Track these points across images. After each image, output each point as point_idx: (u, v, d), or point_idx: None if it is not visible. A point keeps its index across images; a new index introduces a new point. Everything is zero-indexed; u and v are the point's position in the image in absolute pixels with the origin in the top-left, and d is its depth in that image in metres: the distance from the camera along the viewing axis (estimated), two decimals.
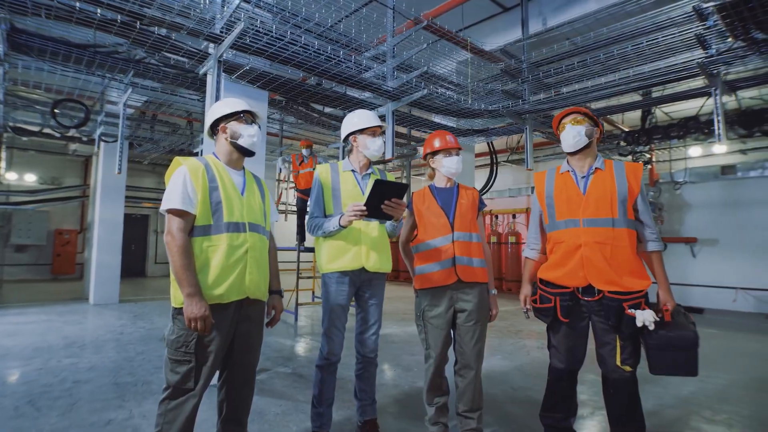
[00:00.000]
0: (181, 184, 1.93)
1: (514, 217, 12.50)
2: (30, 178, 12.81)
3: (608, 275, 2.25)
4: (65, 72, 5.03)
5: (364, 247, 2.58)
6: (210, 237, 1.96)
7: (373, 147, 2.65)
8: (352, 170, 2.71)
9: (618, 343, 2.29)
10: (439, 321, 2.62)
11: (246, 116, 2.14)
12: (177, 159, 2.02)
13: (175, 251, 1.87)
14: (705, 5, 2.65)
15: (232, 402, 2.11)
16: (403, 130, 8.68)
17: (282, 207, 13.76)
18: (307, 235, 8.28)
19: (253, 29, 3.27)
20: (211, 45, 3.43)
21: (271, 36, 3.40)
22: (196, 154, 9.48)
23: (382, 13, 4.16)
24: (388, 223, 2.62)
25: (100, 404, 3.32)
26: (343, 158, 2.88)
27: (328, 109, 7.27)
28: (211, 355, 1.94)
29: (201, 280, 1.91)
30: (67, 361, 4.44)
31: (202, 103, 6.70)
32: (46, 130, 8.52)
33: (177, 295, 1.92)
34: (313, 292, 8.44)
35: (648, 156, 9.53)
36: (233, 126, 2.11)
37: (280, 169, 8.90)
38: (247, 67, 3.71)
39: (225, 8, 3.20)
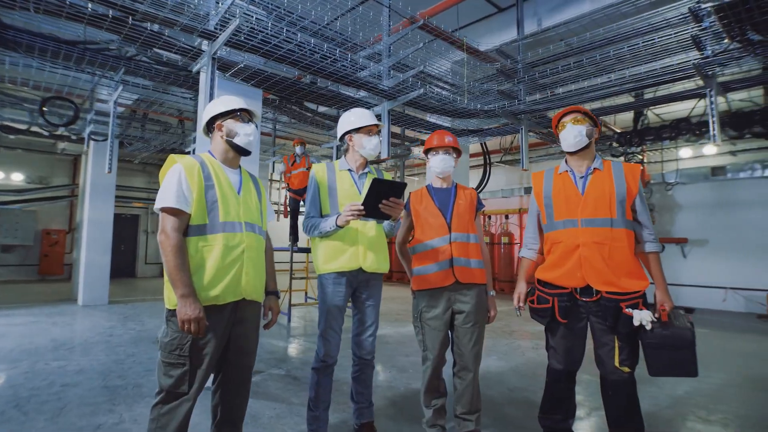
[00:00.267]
0: (176, 182, 1.88)
1: (506, 217, 12.54)
2: (17, 177, 12.61)
3: (606, 276, 2.24)
4: (54, 69, 4.94)
5: (362, 247, 2.55)
6: (205, 237, 1.91)
7: (369, 146, 2.61)
8: (349, 169, 2.68)
9: (616, 344, 2.28)
10: (437, 322, 2.59)
11: (243, 114, 2.10)
12: (172, 156, 1.98)
13: (169, 251, 1.82)
14: (704, 5, 2.66)
15: (227, 406, 2.06)
16: (396, 129, 8.66)
17: (273, 207, 13.68)
18: (300, 235, 8.23)
19: (248, 26, 3.22)
20: (205, 42, 3.37)
21: (266, 33, 3.35)
22: (188, 154, 9.39)
23: (378, 11, 4.13)
24: (386, 222, 2.59)
25: (90, 408, 3.24)
26: (338, 158, 2.84)
27: (321, 109, 7.23)
28: (206, 358, 1.89)
29: (196, 280, 1.86)
30: (55, 364, 4.35)
31: (194, 102, 6.63)
32: (34, 129, 8.38)
33: (171, 297, 1.87)
34: (306, 293, 8.38)
35: (640, 157, 9.61)
36: (229, 124, 2.07)
37: (281, 174, 8.81)
38: (242, 65, 3.66)
39: (219, 4, 3.15)
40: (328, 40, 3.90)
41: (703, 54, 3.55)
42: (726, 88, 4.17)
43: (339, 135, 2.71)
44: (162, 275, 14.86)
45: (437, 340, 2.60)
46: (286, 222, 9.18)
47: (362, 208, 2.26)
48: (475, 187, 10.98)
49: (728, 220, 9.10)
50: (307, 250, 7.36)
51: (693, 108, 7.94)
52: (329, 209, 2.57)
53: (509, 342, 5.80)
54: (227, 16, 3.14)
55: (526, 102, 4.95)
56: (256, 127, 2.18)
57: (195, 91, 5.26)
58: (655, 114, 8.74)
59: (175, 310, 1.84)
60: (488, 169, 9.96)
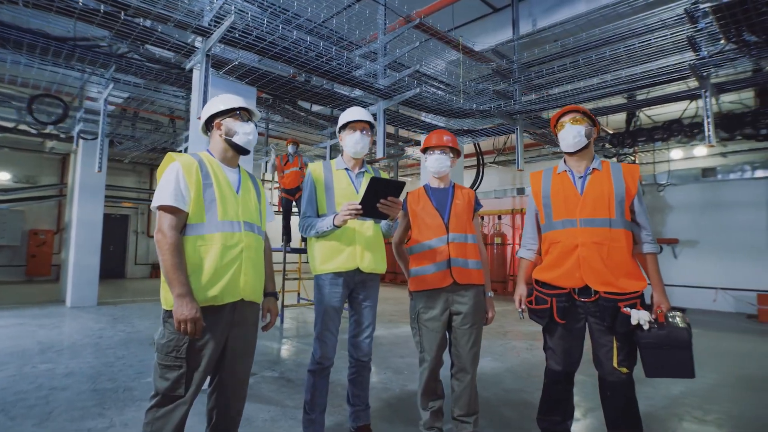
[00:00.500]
0: (174, 180, 1.85)
1: (499, 218, 12.56)
2: (4, 177, 12.41)
3: (604, 276, 2.23)
4: (43, 66, 4.84)
5: (359, 247, 2.51)
6: (203, 236, 1.87)
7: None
8: (346, 168, 2.64)
9: (615, 345, 2.27)
10: (435, 324, 2.57)
11: (242, 113, 2.07)
12: (170, 154, 1.95)
13: (166, 249, 1.78)
14: (702, 6, 2.66)
15: (223, 410, 2.02)
16: (390, 129, 8.63)
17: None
18: (293, 235, 8.16)
19: (243, 23, 3.17)
20: (199, 38, 3.32)
21: (262, 31, 3.30)
22: (179, 153, 9.28)
23: (373, 10, 4.10)
24: (384, 222, 2.56)
25: (79, 412, 3.17)
26: (332, 158, 2.80)
27: (315, 108, 7.18)
28: (203, 360, 1.84)
29: (193, 280, 1.82)
30: (43, 367, 4.26)
31: (186, 101, 6.56)
32: (22, 127, 8.26)
33: (167, 297, 1.83)
34: (299, 294, 8.33)
35: (632, 158, 9.67)
36: (228, 123, 2.04)
37: (273, 164, 8.69)
38: (236, 62, 3.60)
39: (214, 1, 3.10)
40: (324, 38, 3.86)
41: (698, 55, 3.56)
42: (720, 89, 4.19)
43: (337, 132, 2.69)
44: (152, 276, 14.82)
45: (435, 341, 2.57)
46: (277, 222, 9.11)
47: (360, 207, 2.23)
48: (468, 187, 10.99)
49: (718, 221, 9.19)
50: (300, 251, 7.30)
51: (685, 109, 8.00)
52: (326, 209, 2.54)
53: (504, 343, 5.80)
54: (221, 12, 3.09)
55: (521, 102, 4.95)
56: (256, 126, 2.15)
57: (187, 89, 5.18)
58: (646, 115, 8.80)
59: (171, 310, 1.80)
60: (481, 169, 9.97)
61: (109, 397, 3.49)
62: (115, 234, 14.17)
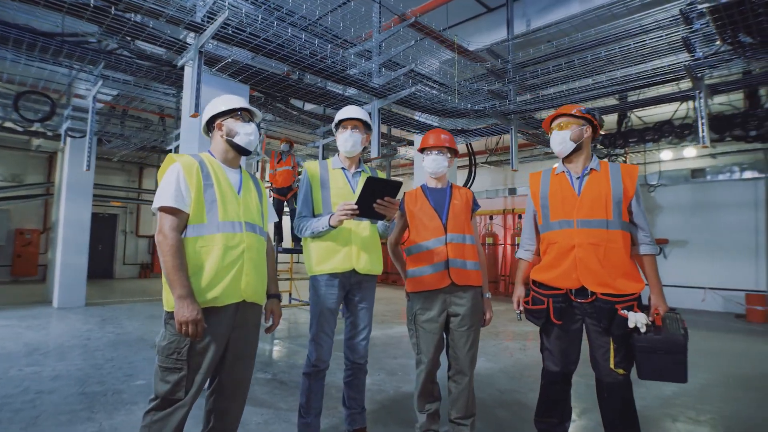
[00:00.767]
0: (174, 181, 1.84)
1: (491, 218, 12.59)
2: None
3: (601, 277, 2.22)
4: (30, 62, 4.73)
5: (355, 248, 2.48)
6: (204, 237, 1.86)
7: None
8: (342, 168, 2.60)
9: (611, 346, 2.26)
10: (432, 325, 2.54)
11: (243, 114, 2.06)
12: (171, 156, 1.94)
13: (167, 251, 1.77)
14: (700, 6, 2.66)
15: (221, 412, 1.98)
16: (383, 129, 8.60)
17: None
18: (285, 235, 8.07)
19: (236, 20, 3.12)
20: (192, 34, 3.26)
21: (256, 27, 3.25)
22: (168, 152, 9.18)
23: (368, 8, 4.06)
24: (380, 222, 2.52)
25: (67, 417, 3.09)
26: (324, 157, 2.77)
27: (308, 107, 7.13)
28: (204, 362, 1.82)
29: (194, 281, 1.81)
30: (30, 370, 4.16)
31: (176, 99, 6.47)
32: (8, 124, 8.10)
33: (169, 299, 1.81)
34: (290, 295, 8.26)
35: (623, 159, 9.74)
36: (230, 123, 2.03)
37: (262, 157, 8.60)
38: (229, 60, 3.54)
39: None
40: (319, 35, 3.81)
41: (693, 56, 3.58)
42: (714, 90, 4.22)
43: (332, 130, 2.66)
44: (140, 276, 14.64)
45: (432, 343, 2.54)
46: None
47: (356, 207, 2.19)
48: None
49: (707, 222, 9.29)
50: (291, 251, 7.24)
51: (675, 111, 8.07)
52: (322, 208, 2.50)
53: (496, 343, 5.80)
54: (215, 8, 3.03)
55: (516, 102, 4.94)
56: (258, 126, 2.15)
57: (178, 87, 5.10)
58: (637, 116, 8.86)
59: (173, 312, 1.78)
60: (473, 169, 9.97)
61: (98, 400, 3.41)
62: (104, 234, 13.99)
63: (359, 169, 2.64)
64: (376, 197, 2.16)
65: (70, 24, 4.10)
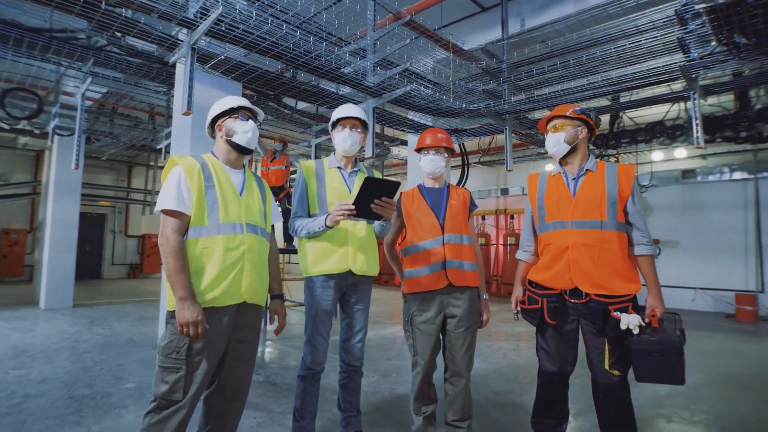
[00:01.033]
0: (176, 183, 1.87)
1: (483, 218, 12.60)
2: None
3: (595, 278, 2.21)
4: (17, 58, 4.62)
5: (351, 249, 2.44)
6: (205, 239, 1.88)
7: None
8: (338, 167, 2.57)
9: (606, 347, 2.25)
10: (429, 327, 2.51)
11: (242, 113, 2.07)
12: (173, 158, 1.95)
13: (169, 253, 1.79)
14: (697, 6, 2.67)
15: (220, 414, 1.96)
16: (376, 128, 8.56)
17: None
18: (277, 235, 7.98)
19: (230, 17, 3.07)
20: (184, 31, 3.19)
21: (249, 24, 3.20)
22: (159, 151, 9.08)
23: (363, 6, 4.03)
24: (377, 223, 2.49)
25: (55, 421, 3.02)
26: (317, 157, 2.73)
27: (300, 106, 7.07)
28: (203, 363, 1.81)
29: (195, 283, 1.83)
30: (16, 373, 4.07)
31: (167, 97, 6.38)
32: None
33: (171, 298, 1.82)
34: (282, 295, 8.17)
35: (615, 159, 9.79)
36: (228, 123, 2.05)
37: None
38: (222, 57, 3.48)
39: None
40: (313, 33, 3.77)
41: (688, 56, 3.59)
42: (707, 91, 4.24)
43: (329, 129, 2.62)
44: (129, 276, 14.45)
45: (428, 345, 2.52)
46: None
47: (353, 207, 2.15)
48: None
49: (698, 222, 9.37)
50: (284, 251, 7.17)
51: (667, 112, 8.12)
52: (317, 208, 2.46)
53: (490, 344, 5.79)
54: (208, 4, 2.97)
55: (510, 102, 4.93)
56: (258, 124, 2.14)
57: (169, 84, 5.03)
58: (628, 117, 8.91)
59: (174, 311, 1.79)
60: (466, 169, 9.97)
61: (87, 404, 3.34)
62: (92, 233, 13.81)
63: (355, 169, 2.60)
64: (373, 198, 2.13)
65: (58, 19, 4.02)
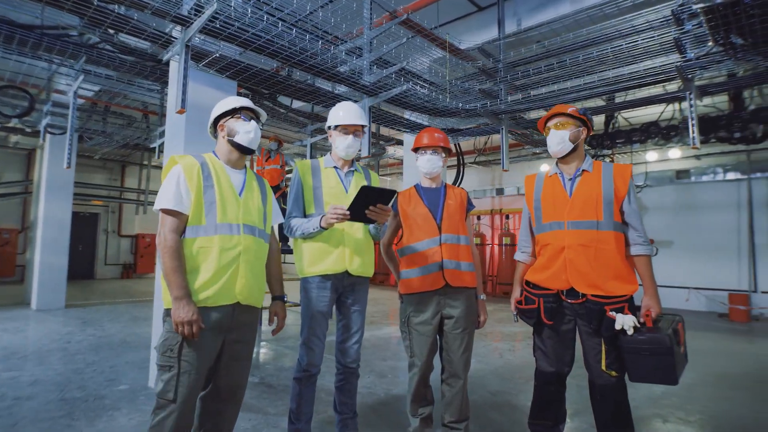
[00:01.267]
0: (175, 183, 1.87)
1: (478, 218, 12.61)
2: None
3: (591, 278, 2.20)
4: (7, 55, 4.56)
5: (348, 250, 2.41)
6: (201, 238, 1.87)
7: (341, 146, 2.48)
8: (335, 167, 2.54)
9: (603, 348, 2.24)
10: (426, 328, 2.50)
11: (245, 113, 2.06)
12: (173, 157, 1.96)
13: (166, 252, 1.79)
14: (695, 6, 2.66)
15: (214, 416, 1.94)
16: (372, 127, 8.52)
17: None
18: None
19: (225, 14, 3.03)
20: (178, 28, 3.15)
21: (245, 21, 3.16)
22: (152, 150, 9.00)
23: (360, 4, 4.00)
24: (372, 225, 2.46)
25: (46, 424, 2.97)
26: (312, 156, 2.70)
27: (295, 105, 7.03)
28: (195, 363, 1.79)
29: (190, 282, 1.83)
30: (6, 375, 4.00)
31: (161, 95, 6.32)
32: None
33: (167, 296, 1.82)
34: None
35: (610, 160, 9.82)
36: (230, 123, 2.04)
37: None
38: (217, 55, 3.44)
39: None
40: (309, 31, 3.74)
41: (684, 56, 3.59)
42: (703, 91, 4.26)
43: (327, 127, 2.58)
44: (123, 277, 14.33)
45: (425, 346, 2.50)
46: None
47: (348, 213, 2.15)
48: None
49: (691, 222, 9.42)
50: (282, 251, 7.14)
51: (662, 112, 8.16)
52: (313, 208, 2.43)
53: (485, 344, 5.78)
54: (201, 1, 2.93)
55: (507, 102, 4.92)
56: (260, 125, 2.13)
57: (163, 83, 4.97)
58: (623, 118, 8.95)
59: (170, 309, 1.79)
60: (461, 170, 9.95)
61: (78, 406, 3.29)
62: (84, 233, 13.67)
63: (352, 169, 2.57)
64: (369, 203, 2.13)
65: (50, 15, 3.96)
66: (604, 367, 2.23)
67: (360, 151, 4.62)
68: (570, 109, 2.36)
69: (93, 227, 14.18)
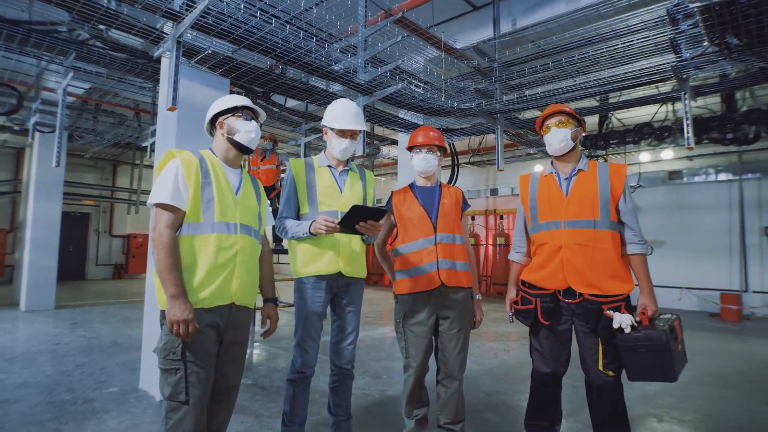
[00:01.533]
0: (173, 177, 1.81)
1: (473, 219, 12.62)
2: None
3: (588, 278, 2.19)
4: None
5: (340, 251, 2.38)
6: (199, 236, 1.83)
7: (337, 148, 2.45)
8: (329, 165, 2.50)
9: (600, 348, 2.23)
10: (421, 328, 2.47)
11: (245, 112, 2.03)
12: (170, 151, 1.91)
13: (161, 249, 1.74)
14: (691, 5, 2.66)
15: (209, 416, 1.90)
16: (366, 126, 8.48)
17: None
18: (268, 236, 7.90)
19: (216, 9, 2.98)
20: (169, 23, 3.10)
21: (237, 18, 3.11)
22: (144, 149, 8.91)
23: (354, 2, 3.96)
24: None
25: (34, 427, 2.91)
26: (305, 155, 2.66)
27: (289, 104, 6.97)
28: (200, 361, 1.77)
29: (186, 281, 1.78)
30: None
31: (152, 93, 6.24)
32: None
33: (162, 297, 1.77)
34: None
35: (603, 160, 9.86)
36: (230, 121, 2.00)
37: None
38: (209, 51, 3.39)
39: None
40: (303, 29, 3.69)
41: (680, 56, 3.59)
42: (698, 92, 4.27)
43: (322, 124, 2.54)
44: (114, 277, 14.16)
45: (421, 346, 2.47)
46: None
47: (337, 226, 2.16)
48: None
49: (684, 222, 9.48)
50: (273, 252, 7.08)
51: (655, 113, 8.20)
52: (307, 207, 2.40)
53: (480, 344, 5.77)
54: None
55: (502, 101, 4.91)
56: (259, 125, 2.10)
57: (154, 80, 4.90)
58: (617, 118, 8.98)
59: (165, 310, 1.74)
60: (456, 170, 9.95)
61: (67, 410, 3.23)
62: (75, 233, 13.51)
63: (346, 168, 2.54)
64: (359, 220, 2.14)
65: (38, 10, 3.89)
66: (601, 367, 2.22)
67: (354, 150, 4.59)
68: (567, 109, 2.36)
69: (84, 227, 14.02)
